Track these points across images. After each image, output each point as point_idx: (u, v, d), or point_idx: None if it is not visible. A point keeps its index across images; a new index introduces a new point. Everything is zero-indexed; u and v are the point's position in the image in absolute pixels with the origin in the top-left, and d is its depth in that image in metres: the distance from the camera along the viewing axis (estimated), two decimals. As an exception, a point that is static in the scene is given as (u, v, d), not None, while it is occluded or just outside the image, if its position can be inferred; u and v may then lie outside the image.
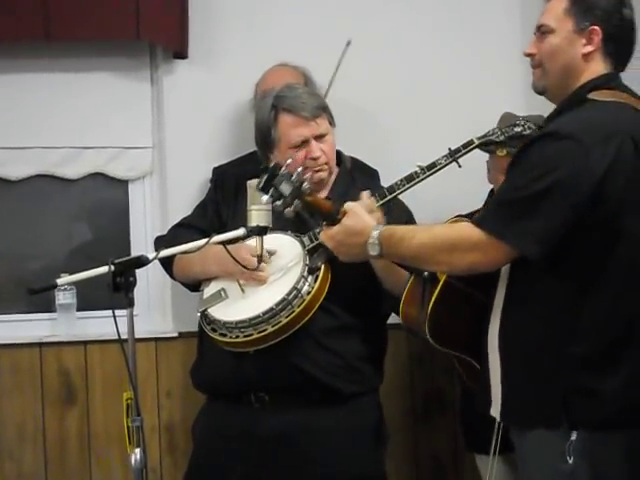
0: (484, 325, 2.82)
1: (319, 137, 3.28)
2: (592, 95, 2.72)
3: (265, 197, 2.85)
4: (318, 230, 3.19)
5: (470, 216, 3.70)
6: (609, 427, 2.61)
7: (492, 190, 3.85)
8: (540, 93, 2.86)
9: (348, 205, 2.85)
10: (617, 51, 2.77)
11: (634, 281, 2.63)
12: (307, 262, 3.17)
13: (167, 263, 3.43)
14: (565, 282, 2.63)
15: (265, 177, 2.85)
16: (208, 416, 3.42)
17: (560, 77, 2.77)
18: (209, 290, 3.28)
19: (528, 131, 3.19)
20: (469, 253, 2.63)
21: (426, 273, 2.94)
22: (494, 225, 2.60)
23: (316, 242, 3.18)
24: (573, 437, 2.60)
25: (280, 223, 3.16)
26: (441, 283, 2.91)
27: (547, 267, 2.62)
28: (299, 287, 3.12)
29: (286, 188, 2.83)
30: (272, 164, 2.96)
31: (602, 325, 2.61)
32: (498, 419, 2.80)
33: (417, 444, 4.26)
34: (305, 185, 2.85)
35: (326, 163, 3.29)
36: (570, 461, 2.60)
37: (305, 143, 3.26)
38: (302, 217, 3.30)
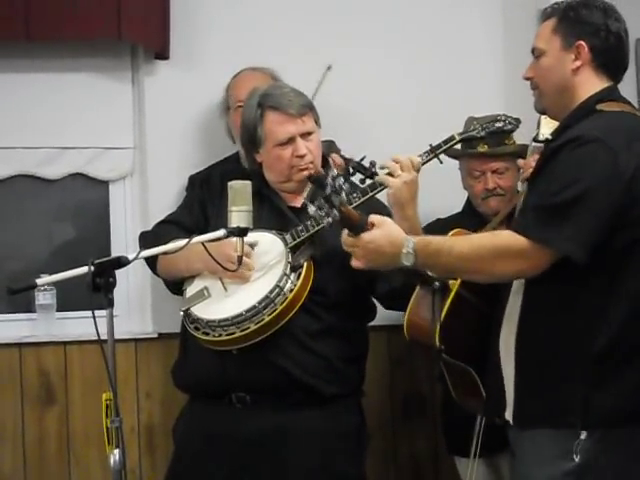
0: (493, 334, 2.86)
1: (305, 135, 3.29)
2: (599, 106, 2.78)
3: (312, 208, 2.78)
4: (300, 228, 3.20)
5: (450, 220, 3.74)
6: (623, 426, 2.68)
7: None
8: (542, 113, 2.96)
9: (377, 217, 2.83)
10: (607, 64, 2.82)
11: None
12: (289, 260, 3.18)
13: (151, 260, 3.43)
14: (588, 285, 2.68)
15: (322, 193, 2.77)
16: (189, 417, 3.42)
17: (555, 95, 2.83)
18: (192, 289, 3.29)
19: (509, 127, 3.22)
20: (514, 260, 2.67)
21: (437, 284, 2.98)
22: (538, 231, 2.64)
23: (298, 240, 3.20)
24: (582, 436, 2.65)
25: (262, 222, 3.17)
26: (453, 294, 2.96)
27: (574, 271, 2.66)
28: (281, 285, 3.14)
29: (336, 200, 2.77)
30: (319, 174, 2.95)
31: (622, 326, 2.67)
32: (510, 421, 2.83)
33: (397, 445, 4.27)
34: (343, 195, 2.81)
35: (312, 162, 3.30)
36: (576, 460, 2.65)
37: (291, 141, 3.27)
38: (285, 215, 3.31)
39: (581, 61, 2.79)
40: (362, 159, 3.75)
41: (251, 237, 3.07)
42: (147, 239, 3.44)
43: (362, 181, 3.16)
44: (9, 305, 4.08)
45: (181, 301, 3.32)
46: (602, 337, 2.66)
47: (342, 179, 2.73)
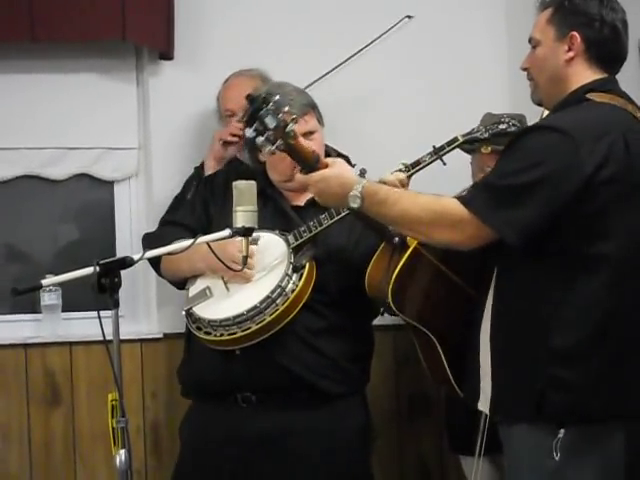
0: (475, 318, 2.84)
1: (307, 134, 3.28)
2: (590, 96, 2.76)
3: (249, 130, 2.82)
4: (303, 228, 3.20)
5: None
6: (590, 422, 2.65)
7: None
8: (538, 104, 2.93)
9: (330, 158, 2.91)
10: (601, 55, 2.79)
11: (616, 277, 2.65)
12: (292, 260, 3.18)
13: (155, 261, 3.43)
14: (548, 275, 2.67)
15: (251, 108, 2.83)
16: (195, 417, 3.42)
17: (548, 86, 2.82)
18: (194, 289, 3.29)
19: (512, 128, 3.21)
20: (450, 229, 2.67)
21: (396, 239, 2.97)
22: (480, 207, 2.64)
23: (301, 240, 3.20)
24: (560, 434, 2.62)
25: (266, 223, 3.17)
26: (410, 250, 2.94)
27: (532, 259, 2.66)
28: (283, 285, 3.13)
29: (271, 122, 2.81)
30: (258, 95, 2.92)
31: (581, 319, 2.64)
32: (486, 412, 2.82)
33: (402, 445, 4.27)
34: (290, 126, 2.85)
35: None
36: (557, 458, 2.62)
37: None
38: (288, 216, 3.30)
39: (574, 52, 2.78)
40: (353, 166, 3.77)
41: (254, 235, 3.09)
42: (150, 241, 3.44)
43: None
44: (15, 306, 4.09)
45: (184, 301, 3.32)
46: (560, 330, 2.64)
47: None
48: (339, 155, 3.72)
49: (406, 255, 2.94)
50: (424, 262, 2.96)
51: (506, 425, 2.77)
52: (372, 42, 4.13)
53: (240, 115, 3.68)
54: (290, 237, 3.22)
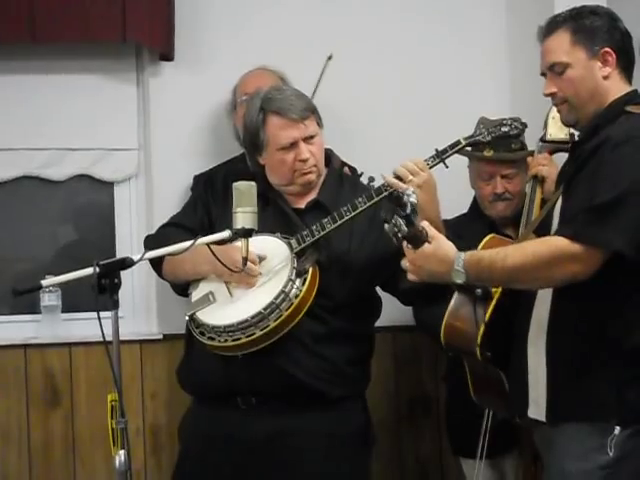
0: (518, 336, 2.90)
1: (308, 139, 3.27)
2: (628, 108, 2.81)
3: (387, 226, 2.75)
4: (306, 232, 3.19)
5: (456, 222, 3.73)
6: None
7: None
8: (572, 126, 2.97)
9: (434, 231, 2.84)
10: (628, 65, 2.88)
11: None
12: (295, 265, 3.17)
13: (156, 262, 3.42)
14: (623, 276, 2.71)
15: (406, 229, 2.74)
16: (195, 419, 3.41)
17: (590, 105, 2.85)
18: (197, 293, 3.28)
19: (515, 131, 3.21)
20: (570, 265, 2.69)
21: (479, 291, 3.01)
22: (588, 233, 2.68)
23: (304, 245, 3.19)
24: (616, 431, 2.69)
25: (267, 225, 3.17)
26: (495, 300, 3.00)
27: (611, 267, 2.70)
28: (287, 290, 3.12)
29: (404, 230, 2.73)
30: (396, 193, 2.84)
31: None
32: (541, 419, 2.85)
33: (402, 447, 4.27)
34: (420, 226, 2.80)
35: (315, 165, 3.28)
36: (611, 454, 2.69)
37: (294, 145, 3.26)
38: (289, 218, 3.30)
39: (610, 67, 2.83)
40: (360, 175, 3.77)
41: (258, 244, 3.10)
42: (151, 242, 3.43)
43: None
44: (14, 306, 4.09)
45: (186, 304, 3.31)
46: (637, 333, 2.70)
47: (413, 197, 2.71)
48: (344, 164, 3.73)
49: (493, 304, 3.00)
50: (504, 310, 3.02)
51: (560, 425, 2.80)
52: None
53: None
54: (293, 241, 3.21)
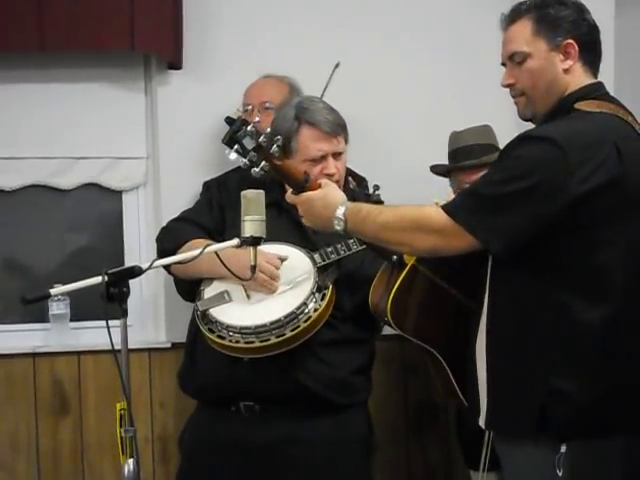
0: (471, 333, 2.80)
1: (336, 154, 3.29)
2: (578, 105, 2.71)
3: (231, 152, 2.83)
4: (330, 250, 3.21)
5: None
6: (604, 436, 2.59)
7: None
8: (528, 120, 2.83)
9: (325, 180, 2.90)
10: (592, 58, 2.77)
11: (613, 288, 2.60)
12: (317, 279, 3.17)
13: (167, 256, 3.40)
14: (545, 287, 2.61)
15: (230, 130, 2.83)
16: (196, 426, 3.42)
17: (547, 97, 2.75)
18: (211, 290, 3.27)
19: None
20: (432, 236, 2.65)
21: (394, 257, 2.96)
22: (463, 214, 2.62)
23: (327, 261, 3.21)
24: (563, 449, 2.57)
25: (280, 234, 3.17)
26: (407, 268, 2.93)
27: (526, 272, 2.63)
28: (308, 303, 3.13)
29: (249, 144, 2.82)
30: (238, 118, 2.91)
31: (577, 331, 2.58)
32: (484, 427, 2.78)
33: (410, 456, 4.26)
34: (274, 147, 2.84)
35: (338, 181, 3.28)
36: (560, 474, 2.57)
37: (323, 158, 3.27)
38: (302, 227, 3.29)
39: (572, 60, 2.73)
40: (366, 184, 3.78)
41: (282, 252, 3.15)
42: (167, 237, 3.42)
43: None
44: (23, 315, 4.10)
45: (197, 300, 3.28)
46: (557, 343, 2.58)
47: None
48: (354, 176, 3.73)
49: (404, 273, 2.93)
50: (421, 278, 2.95)
51: (505, 441, 2.72)
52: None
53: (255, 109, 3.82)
54: (316, 256, 3.22)
